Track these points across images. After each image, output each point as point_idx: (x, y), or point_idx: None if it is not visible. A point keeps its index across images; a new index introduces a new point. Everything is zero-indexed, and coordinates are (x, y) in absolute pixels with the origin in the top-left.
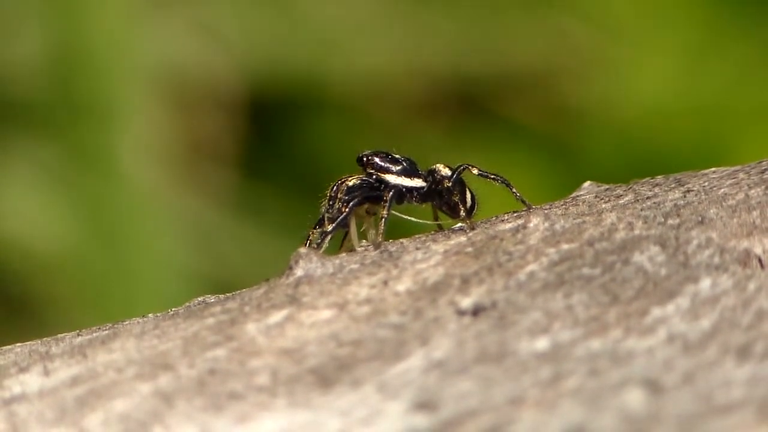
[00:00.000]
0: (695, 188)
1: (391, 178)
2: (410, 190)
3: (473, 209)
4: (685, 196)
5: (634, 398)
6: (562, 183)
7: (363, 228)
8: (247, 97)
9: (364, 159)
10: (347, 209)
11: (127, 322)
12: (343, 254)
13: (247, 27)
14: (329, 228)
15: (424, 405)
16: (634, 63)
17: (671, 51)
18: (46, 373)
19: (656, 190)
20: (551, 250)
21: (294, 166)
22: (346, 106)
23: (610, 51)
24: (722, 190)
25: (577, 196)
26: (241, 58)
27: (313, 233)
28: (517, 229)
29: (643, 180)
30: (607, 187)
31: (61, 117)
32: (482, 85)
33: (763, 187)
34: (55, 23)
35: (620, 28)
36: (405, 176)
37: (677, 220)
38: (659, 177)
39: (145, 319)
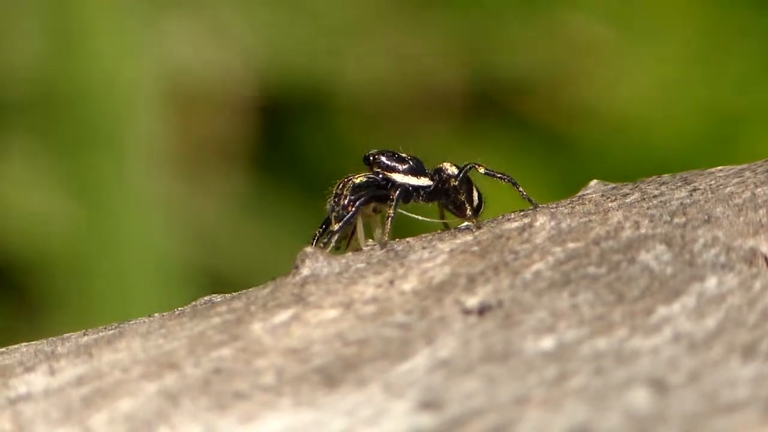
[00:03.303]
0: (701, 187)
1: (398, 177)
2: (417, 189)
3: (480, 208)
4: (691, 195)
5: (640, 397)
6: (569, 179)
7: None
8: (257, 97)
9: (371, 158)
10: (354, 208)
11: (132, 322)
12: (350, 253)
13: (256, 27)
14: (336, 227)
15: (430, 404)
16: (640, 61)
17: (679, 48)
18: (52, 372)
19: (663, 188)
20: (557, 249)
21: (304, 165)
22: (355, 106)
23: (616, 48)
24: (728, 188)
25: (584, 194)
26: (251, 58)
27: (319, 232)
28: (523, 228)
29: (650, 178)
30: (613, 185)
31: (64, 116)
32: (490, 85)
33: None
34: (59, 23)
35: (628, 24)
36: (411, 175)
37: (683, 219)
38: (666, 175)
39: (150, 318)
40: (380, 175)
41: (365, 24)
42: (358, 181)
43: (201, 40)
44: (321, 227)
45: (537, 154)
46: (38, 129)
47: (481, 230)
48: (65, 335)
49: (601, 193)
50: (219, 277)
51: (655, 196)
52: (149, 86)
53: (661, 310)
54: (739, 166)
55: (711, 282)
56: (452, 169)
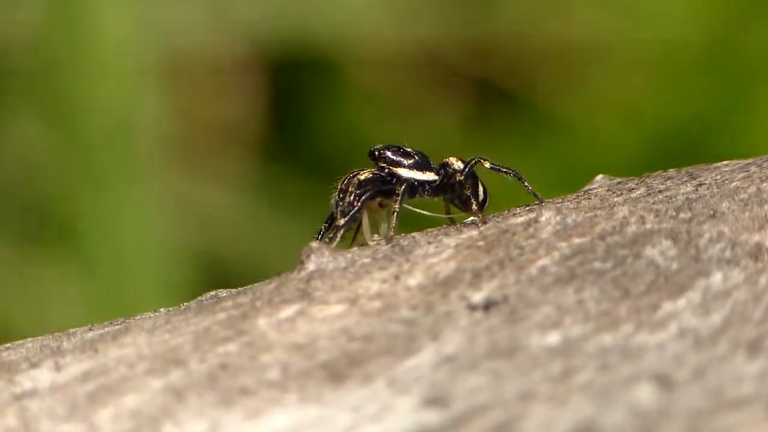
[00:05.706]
0: (707, 182)
1: (403, 172)
2: (422, 183)
3: (485, 203)
4: (696, 190)
5: (645, 393)
6: (576, 167)
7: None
8: (266, 79)
9: (376, 153)
10: (359, 203)
11: (138, 317)
12: (355, 248)
13: (265, 7)
14: (341, 222)
15: (435, 400)
16: (647, 48)
17: (687, 36)
18: (58, 368)
19: (668, 183)
20: (563, 244)
21: (313, 149)
22: (366, 89)
23: (624, 35)
24: (734, 183)
25: (589, 189)
26: (257, 38)
27: (324, 227)
28: (528, 223)
29: (655, 173)
30: (619, 180)
31: (64, 95)
32: (500, 66)
33: None
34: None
35: (635, 12)
36: (417, 170)
37: (689, 214)
38: (671, 170)
39: (156, 313)
40: (385, 170)
41: (375, 4)
42: (363, 176)
43: (207, 19)
44: (326, 222)
45: (544, 140)
46: (38, 107)
47: (487, 225)
48: (71, 330)
49: (606, 188)
50: (225, 264)
51: (660, 191)
52: (152, 66)
53: (667, 306)
54: (745, 161)
55: (716, 277)
56: (458, 164)
